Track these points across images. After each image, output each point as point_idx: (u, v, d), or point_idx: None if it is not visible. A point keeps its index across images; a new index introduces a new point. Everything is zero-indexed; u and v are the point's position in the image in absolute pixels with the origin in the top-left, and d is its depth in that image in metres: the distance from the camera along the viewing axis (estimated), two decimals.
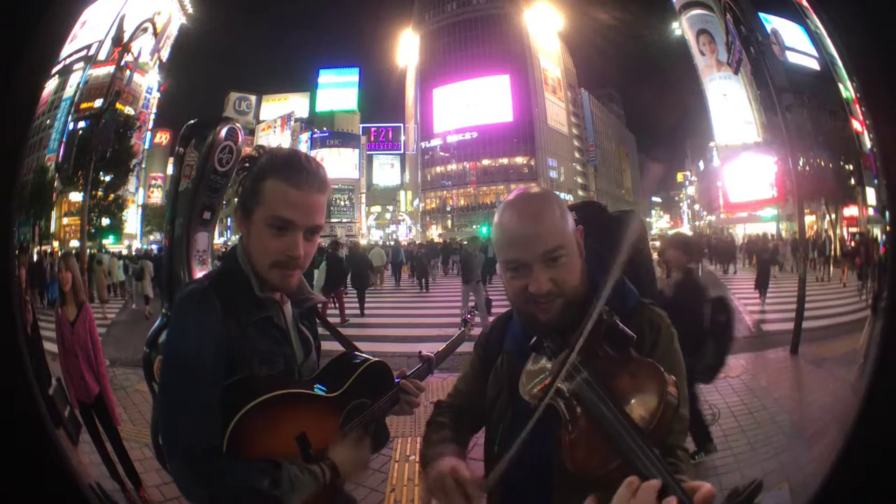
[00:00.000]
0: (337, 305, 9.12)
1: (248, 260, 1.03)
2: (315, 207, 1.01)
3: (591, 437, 0.68)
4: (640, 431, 0.65)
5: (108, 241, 15.31)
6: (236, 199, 1.07)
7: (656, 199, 55.83)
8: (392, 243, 18.92)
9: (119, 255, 13.18)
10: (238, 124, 3.31)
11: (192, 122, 2.98)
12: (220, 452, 0.91)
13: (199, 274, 2.75)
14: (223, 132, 3.75)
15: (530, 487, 0.88)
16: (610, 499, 0.61)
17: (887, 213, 0.81)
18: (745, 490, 0.57)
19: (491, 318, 1.40)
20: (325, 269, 8.71)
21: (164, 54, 27.36)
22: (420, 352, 1.33)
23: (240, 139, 3.79)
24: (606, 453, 0.65)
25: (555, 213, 0.90)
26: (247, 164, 1.06)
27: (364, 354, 1.20)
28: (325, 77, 51.60)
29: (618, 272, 0.73)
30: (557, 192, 1.06)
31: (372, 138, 50.37)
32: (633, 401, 0.69)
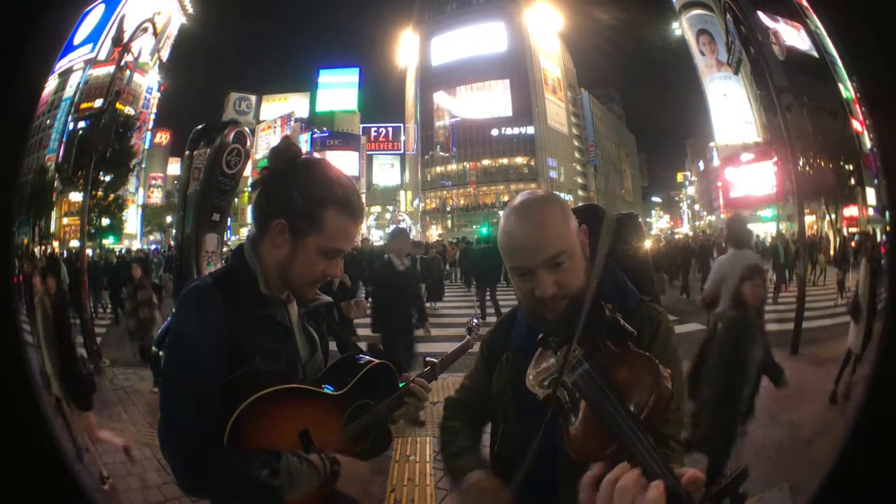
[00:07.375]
0: None
1: (288, 272, 1.04)
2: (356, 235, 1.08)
3: (589, 424, 0.73)
4: (635, 418, 0.68)
5: (108, 242, 15.29)
6: (270, 205, 1.02)
7: (656, 199, 55.86)
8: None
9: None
10: (246, 128, 3.31)
11: (200, 126, 2.98)
12: (217, 444, 0.91)
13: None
14: (231, 136, 3.76)
15: (536, 479, 0.90)
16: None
17: (887, 213, 0.81)
18: (730, 476, 0.58)
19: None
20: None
21: (164, 54, 27.36)
22: (425, 357, 1.33)
23: (248, 142, 3.80)
24: (603, 439, 0.69)
25: (556, 219, 0.92)
26: (277, 167, 1.02)
27: (369, 356, 1.19)
28: (325, 77, 51.58)
29: (600, 270, 0.78)
30: (557, 193, 1.07)
31: (372, 138, 50.31)
32: (628, 390, 0.73)
